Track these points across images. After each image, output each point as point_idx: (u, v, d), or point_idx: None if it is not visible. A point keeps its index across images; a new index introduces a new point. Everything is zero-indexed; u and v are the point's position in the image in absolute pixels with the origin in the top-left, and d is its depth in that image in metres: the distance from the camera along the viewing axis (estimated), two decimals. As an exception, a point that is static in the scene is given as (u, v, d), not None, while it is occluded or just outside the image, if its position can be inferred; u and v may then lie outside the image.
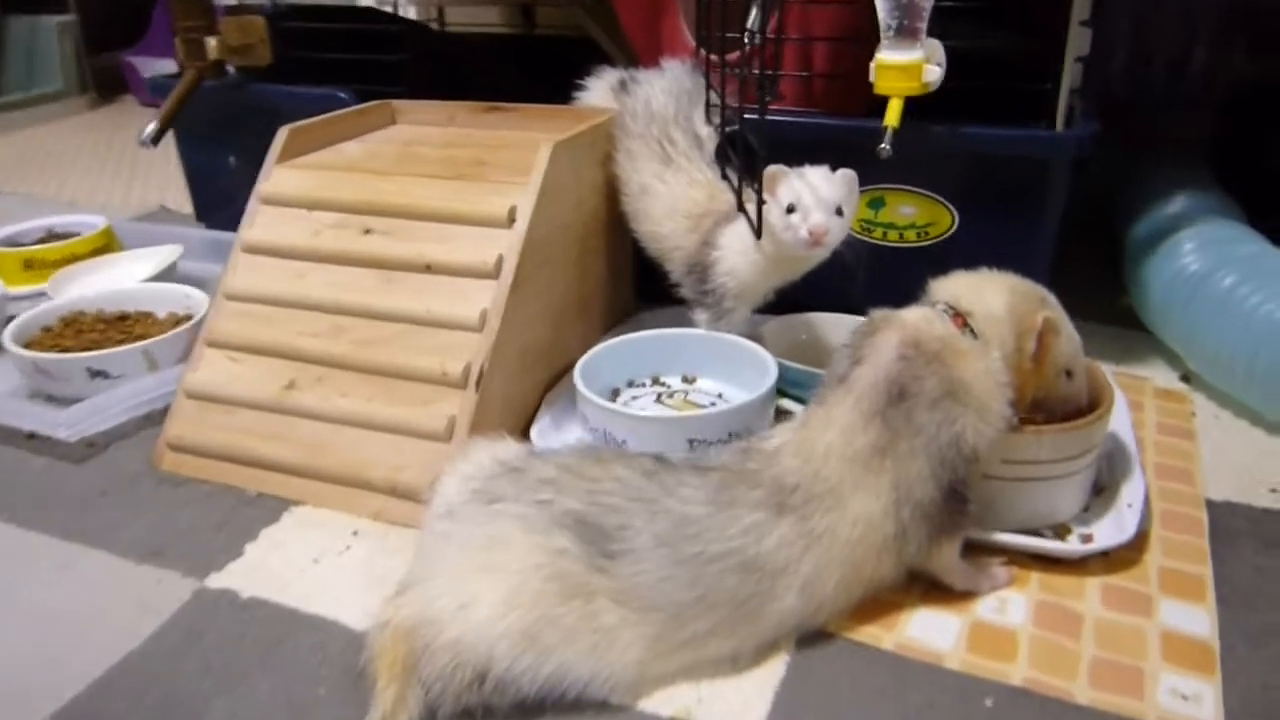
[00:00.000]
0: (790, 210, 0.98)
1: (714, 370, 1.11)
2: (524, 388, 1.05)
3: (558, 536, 0.69)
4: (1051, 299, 0.84)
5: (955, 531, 0.78)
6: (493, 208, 1.01)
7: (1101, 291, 1.36)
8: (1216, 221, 1.21)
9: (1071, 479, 0.86)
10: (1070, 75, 1.09)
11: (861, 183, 1.02)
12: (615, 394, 1.09)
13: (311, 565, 0.86)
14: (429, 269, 1.01)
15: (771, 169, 0.99)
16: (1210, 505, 0.92)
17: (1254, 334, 1.02)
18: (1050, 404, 0.84)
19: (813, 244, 0.97)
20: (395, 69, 1.44)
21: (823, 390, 0.80)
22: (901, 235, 1.18)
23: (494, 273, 0.99)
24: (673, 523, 0.71)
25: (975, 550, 0.84)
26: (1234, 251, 1.12)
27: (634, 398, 1.09)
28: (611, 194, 1.19)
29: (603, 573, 0.69)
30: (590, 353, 1.05)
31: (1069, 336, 0.83)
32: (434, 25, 2.13)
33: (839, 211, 0.98)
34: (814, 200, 0.97)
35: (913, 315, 0.81)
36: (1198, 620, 0.78)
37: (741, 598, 0.71)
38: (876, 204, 1.17)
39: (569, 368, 1.04)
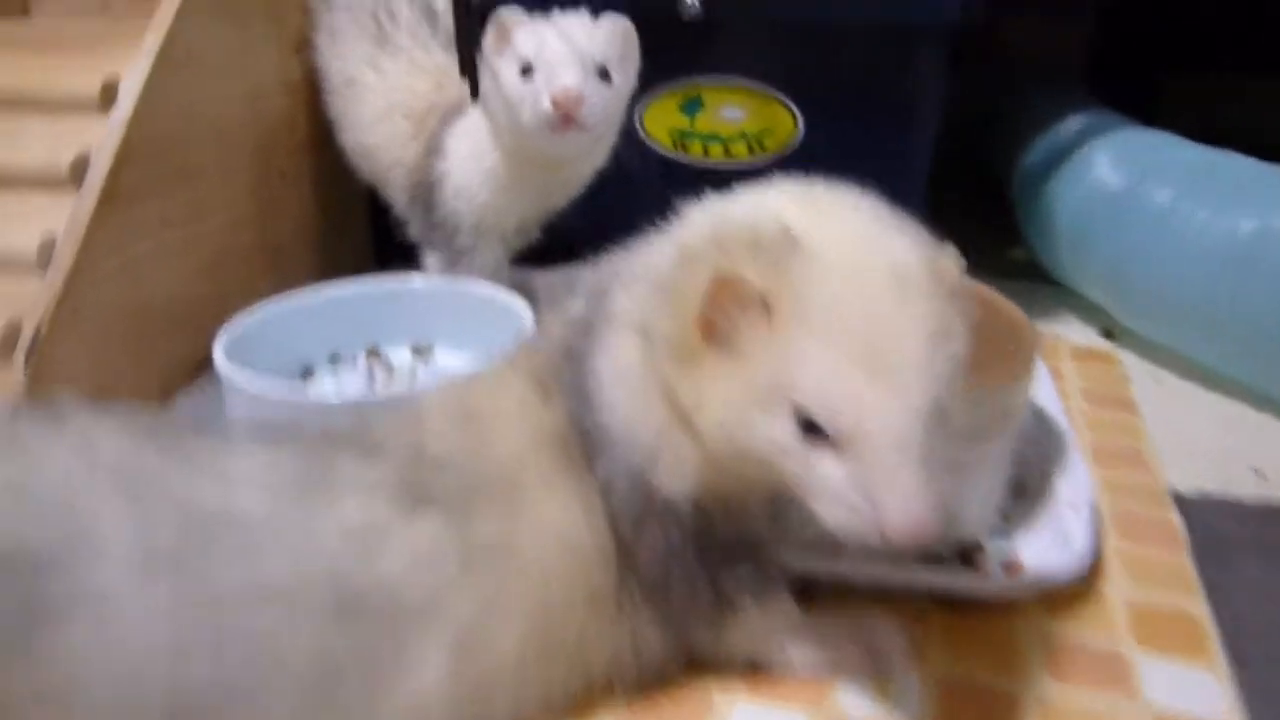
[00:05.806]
0: (527, 72, 0.64)
1: (456, 335, 0.75)
2: (137, 369, 0.67)
3: None
4: (810, 248, 0.37)
5: (730, 609, 0.44)
6: (77, 81, 0.64)
7: (986, 244, 1.07)
8: (1130, 130, 0.92)
9: (975, 469, 0.53)
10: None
11: (670, 75, 0.73)
12: (308, 376, 0.72)
13: None
14: (-32, 179, 0.63)
15: (502, 14, 0.66)
16: (1179, 501, 0.61)
17: (1205, 260, 0.73)
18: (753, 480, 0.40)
19: (561, 120, 0.63)
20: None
21: None
22: (728, 149, 0.85)
23: (71, 180, 0.61)
24: (188, 525, 0.35)
25: (833, 598, 0.51)
26: (1167, 158, 0.83)
27: (334, 379, 0.72)
28: (316, 100, 0.83)
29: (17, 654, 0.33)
30: (253, 313, 0.68)
31: (835, 324, 0.36)
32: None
33: (604, 74, 0.65)
34: (563, 54, 0.63)
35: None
36: (1206, 692, 0.46)
37: (331, 670, 0.36)
38: (691, 106, 0.84)
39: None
